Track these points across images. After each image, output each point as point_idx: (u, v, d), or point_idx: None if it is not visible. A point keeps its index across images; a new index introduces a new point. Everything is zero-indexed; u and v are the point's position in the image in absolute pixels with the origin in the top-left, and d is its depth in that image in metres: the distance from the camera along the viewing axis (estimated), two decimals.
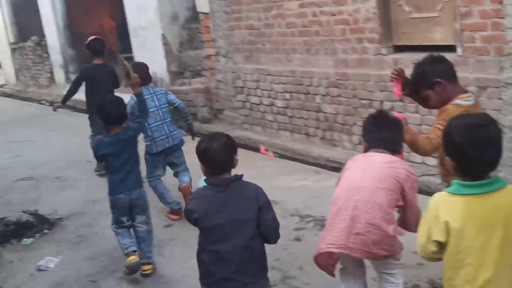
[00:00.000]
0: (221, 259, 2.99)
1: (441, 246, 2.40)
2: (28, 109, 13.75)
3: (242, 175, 3.15)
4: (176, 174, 5.80)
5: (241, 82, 8.23)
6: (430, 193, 5.47)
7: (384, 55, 6.11)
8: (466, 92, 3.50)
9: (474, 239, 2.32)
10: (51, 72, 14.79)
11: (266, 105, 7.88)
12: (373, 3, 6.03)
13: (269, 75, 7.68)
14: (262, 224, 3.07)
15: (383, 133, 3.36)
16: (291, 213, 5.44)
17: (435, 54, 3.65)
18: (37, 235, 5.70)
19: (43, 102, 14.25)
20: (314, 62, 6.97)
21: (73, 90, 7.31)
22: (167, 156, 5.73)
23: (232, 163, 3.12)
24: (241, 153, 7.41)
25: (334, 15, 6.54)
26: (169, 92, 6.00)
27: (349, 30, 6.41)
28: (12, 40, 16.57)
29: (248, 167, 6.93)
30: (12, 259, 5.24)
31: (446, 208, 2.38)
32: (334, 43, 6.63)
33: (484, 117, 2.53)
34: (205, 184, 3.10)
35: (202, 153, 3.06)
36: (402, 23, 5.97)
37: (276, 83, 7.59)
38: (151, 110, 5.42)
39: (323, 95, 6.89)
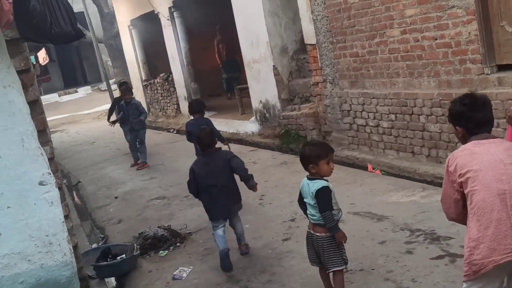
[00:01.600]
0: (211, 195, 5.06)
1: None
2: (158, 137, 14.43)
3: (220, 148, 5.36)
4: None
5: (347, 105, 8.16)
6: None
7: (488, 74, 5.83)
8: None
9: None
10: (177, 104, 15.46)
11: (372, 126, 7.74)
12: (474, 26, 5.79)
13: (374, 98, 7.56)
14: (234, 166, 5.08)
15: (485, 115, 2.99)
16: (401, 227, 5.28)
17: None
18: (171, 247, 5.93)
19: (171, 130, 14.92)
20: (418, 84, 6.78)
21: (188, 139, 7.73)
22: None
23: (213, 143, 5.19)
24: (349, 172, 7.52)
25: (436, 39, 6.34)
26: None
27: (451, 52, 6.19)
28: (144, 78, 17.55)
29: (357, 184, 6.90)
30: (151, 269, 5.49)
31: None
32: (437, 65, 6.42)
33: None
34: None
35: (197, 139, 5.31)
36: (504, 43, 5.67)
37: (381, 105, 7.44)
38: None
39: (428, 115, 6.66)
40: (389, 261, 4.63)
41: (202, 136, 5.17)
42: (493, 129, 5.77)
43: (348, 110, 8.17)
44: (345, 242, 3.91)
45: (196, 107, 7.65)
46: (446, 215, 3.14)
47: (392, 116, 7.29)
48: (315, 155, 3.85)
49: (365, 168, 7.53)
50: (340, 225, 4.00)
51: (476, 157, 2.86)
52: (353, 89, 8.00)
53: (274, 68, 10.12)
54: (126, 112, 10.44)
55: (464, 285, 2.89)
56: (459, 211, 2.98)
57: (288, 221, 6.04)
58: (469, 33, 5.88)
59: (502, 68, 5.80)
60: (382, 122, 7.51)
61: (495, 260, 2.70)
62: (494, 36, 5.75)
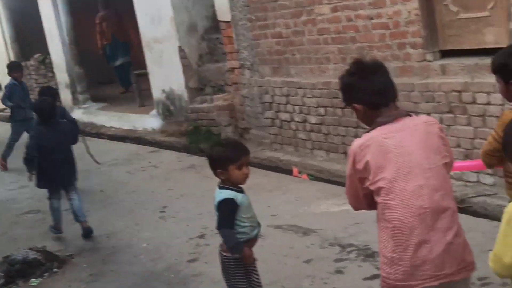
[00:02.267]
0: (54, 165, 6.42)
1: None
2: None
3: (64, 121, 7.23)
4: None
5: (269, 97, 8.31)
6: (487, 215, 5.47)
7: (430, 61, 6.14)
8: None
9: None
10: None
11: (298, 122, 7.94)
12: (415, 3, 6.09)
13: (300, 88, 7.75)
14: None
15: (381, 81, 2.99)
16: (331, 243, 5.46)
17: None
18: (46, 274, 5.78)
19: None
20: None
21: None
22: None
23: (54, 113, 6.66)
24: (272, 176, 7.65)
25: (371, 18, 6.61)
26: None
27: (389, 35, 6.47)
28: (13, 59, 16.95)
29: (280, 192, 7.06)
30: None
31: None
32: (373, 50, 6.69)
33: None
34: None
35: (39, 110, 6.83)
36: (448, 25, 6.00)
37: (309, 97, 7.65)
38: None
39: None
40: (315, 283, 4.79)
41: (45, 107, 6.62)
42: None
43: (270, 102, 8.32)
44: (252, 264, 3.93)
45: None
46: (353, 207, 3.20)
47: (322, 110, 7.51)
48: (223, 158, 3.78)
49: (289, 172, 7.71)
50: (259, 241, 4.06)
51: (389, 159, 2.85)
52: (275, 77, 8.16)
53: (180, 49, 10.13)
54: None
55: None
56: (370, 202, 3.02)
57: (195, 237, 6.09)
58: (409, 12, 6.17)
59: (446, 54, 6.13)
60: (310, 117, 7.71)
61: (411, 285, 2.84)
62: (437, 17, 6.07)
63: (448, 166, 3.00)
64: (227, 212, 3.76)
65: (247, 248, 3.84)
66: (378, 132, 2.92)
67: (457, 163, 3.57)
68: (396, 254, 2.84)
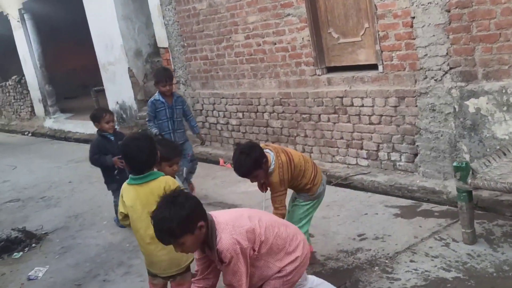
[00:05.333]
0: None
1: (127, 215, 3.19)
2: (12, 139, 13.41)
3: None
4: None
5: (200, 105, 8.24)
6: (363, 189, 5.62)
7: (319, 75, 6.24)
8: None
9: (141, 211, 3.02)
10: (32, 107, 14.48)
11: (222, 124, 7.91)
12: (307, 32, 6.16)
13: (223, 98, 7.73)
14: None
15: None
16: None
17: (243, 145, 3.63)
18: (26, 249, 5.55)
19: (26, 133, 13.93)
20: (261, 85, 7.05)
21: None
22: None
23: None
24: (203, 166, 7.57)
25: (275, 43, 6.64)
26: None
27: (289, 56, 6.52)
28: None
29: (210, 178, 7.00)
30: (4, 271, 5.09)
31: (125, 192, 3.14)
32: (277, 68, 6.72)
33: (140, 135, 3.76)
34: None
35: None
36: (332, 48, 6.11)
37: (230, 104, 7.64)
38: None
39: (270, 112, 6.97)
40: None
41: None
42: (323, 122, 6.21)
43: (200, 109, 8.25)
44: None
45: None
46: None
47: (240, 114, 7.51)
48: (160, 156, 3.55)
49: (217, 163, 7.67)
50: None
51: None
52: (204, 89, 8.10)
53: (129, 70, 9.91)
54: None
55: None
56: None
57: None
58: (302, 38, 6.24)
59: (331, 70, 6.24)
60: (231, 120, 7.70)
61: None
62: (323, 42, 6.16)
63: None
64: None
65: None
66: None
67: None
68: None
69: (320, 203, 3.97)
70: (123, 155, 3.32)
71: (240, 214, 2.62)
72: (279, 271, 2.62)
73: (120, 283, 4.45)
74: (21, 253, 5.47)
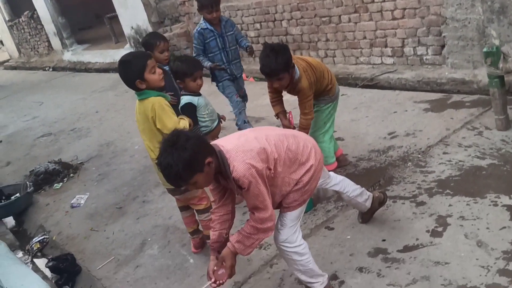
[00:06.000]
0: None
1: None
2: (34, 76, 13.49)
3: None
4: None
5: None
6: (390, 87, 5.53)
7: None
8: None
9: (142, 125, 3.22)
10: (48, 41, 14.40)
11: None
12: None
13: (238, 10, 7.51)
14: None
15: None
16: (277, 125, 5.46)
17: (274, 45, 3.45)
18: (65, 179, 5.75)
19: (46, 68, 13.97)
20: None
21: None
22: None
23: None
24: None
25: None
26: None
27: None
28: (7, 18, 16.03)
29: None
30: (48, 202, 5.30)
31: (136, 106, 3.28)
32: None
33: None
34: None
35: None
36: None
37: (246, 16, 7.43)
38: None
39: (289, 19, 6.77)
40: None
41: None
42: (344, 24, 5.89)
43: None
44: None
45: None
46: None
47: (257, 25, 7.32)
48: (181, 72, 3.62)
49: None
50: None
51: None
52: None
53: None
54: None
55: None
56: None
57: None
58: None
59: None
60: (249, 32, 7.52)
61: None
62: None
63: None
64: (187, 113, 3.56)
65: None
66: None
67: None
68: None
69: (338, 103, 3.96)
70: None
71: (246, 137, 2.57)
72: (296, 184, 2.63)
73: (159, 202, 4.58)
74: (61, 183, 5.66)
